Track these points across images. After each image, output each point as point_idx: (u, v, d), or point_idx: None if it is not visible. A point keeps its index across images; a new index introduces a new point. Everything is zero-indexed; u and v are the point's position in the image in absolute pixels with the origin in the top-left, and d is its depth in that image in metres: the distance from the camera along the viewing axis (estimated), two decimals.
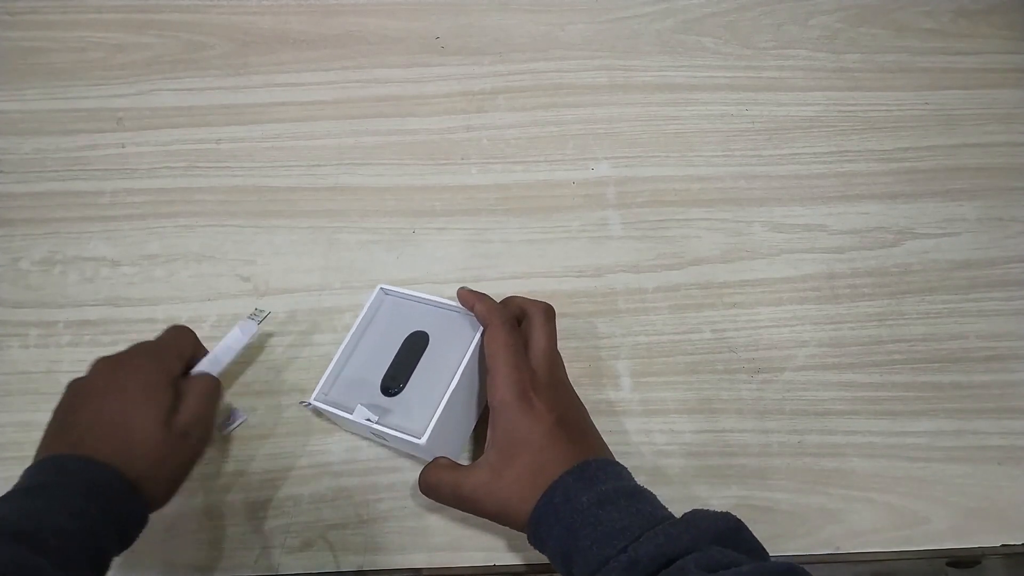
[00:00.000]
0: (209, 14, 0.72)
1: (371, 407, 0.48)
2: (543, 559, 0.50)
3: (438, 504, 0.51)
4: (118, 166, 0.64)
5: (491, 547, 0.50)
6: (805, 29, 0.72)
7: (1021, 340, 0.57)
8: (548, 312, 0.49)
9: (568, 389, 0.48)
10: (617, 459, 0.45)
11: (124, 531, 0.41)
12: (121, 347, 0.56)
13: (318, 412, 0.53)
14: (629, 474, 0.44)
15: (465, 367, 0.48)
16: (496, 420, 0.44)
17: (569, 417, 0.45)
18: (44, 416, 0.54)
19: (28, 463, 0.52)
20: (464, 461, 0.51)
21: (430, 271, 0.60)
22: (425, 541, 0.50)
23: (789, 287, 0.59)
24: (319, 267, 0.60)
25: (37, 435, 0.53)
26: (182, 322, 0.57)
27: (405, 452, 0.52)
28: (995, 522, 0.51)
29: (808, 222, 0.62)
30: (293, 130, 0.66)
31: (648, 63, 0.70)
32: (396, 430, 0.47)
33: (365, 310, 0.53)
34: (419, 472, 0.52)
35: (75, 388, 0.45)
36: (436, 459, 0.47)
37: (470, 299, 0.49)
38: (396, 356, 0.51)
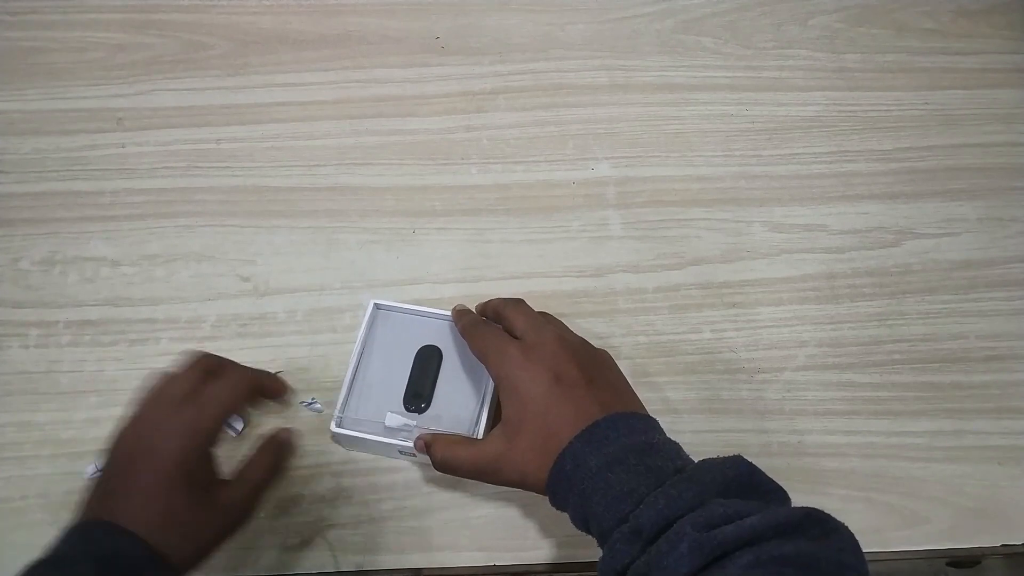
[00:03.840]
0: (209, 14, 0.72)
1: (400, 428, 0.49)
2: (543, 559, 0.50)
3: (438, 504, 0.51)
4: (118, 166, 0.64)
5: (491, 547, 0.50)
6: (805, 29, 0.72)
7: (1021, 340, 0.57)
8: (515, 299, 0.50)
9: (566, 345, 0.45)
10: None
11: None
12: (121, 347, 0.57)
13: (337, 440, 0.52)
14: (644, 424, 0.43)
15: None
16: (501, 396, 0.45)
17: (569, 373, 0.44)
18: (44, 416, 0.54)
19: (28, 463, 0.53)
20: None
21: (430, 271, 0.60)
22: (425, 541, 0.50)
23: (789, 287, 0.59)
24: (319, 267, 0.60)
25: (37, 435, 0.54)
26: (182, 322, 0.57)
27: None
28: (995, 522, 0.51)
29: (808, 222, 0.62)
30: (293, 130, 0.66)
31: (648, 63, 0.70)
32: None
33: (363, 329, 0.52)
34: (419, 470, 0.53)
35: (114, 447, 0.42)
36: (445, 436, 0.47)
37: (455, 322, 0.51)
38: (412, 373, 0.51)
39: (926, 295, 0.59)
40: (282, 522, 0.50)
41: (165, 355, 0.56)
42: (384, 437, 0.48)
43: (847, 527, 0.35)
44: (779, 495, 0.39)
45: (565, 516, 0.51)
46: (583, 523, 0.41)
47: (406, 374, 0.51)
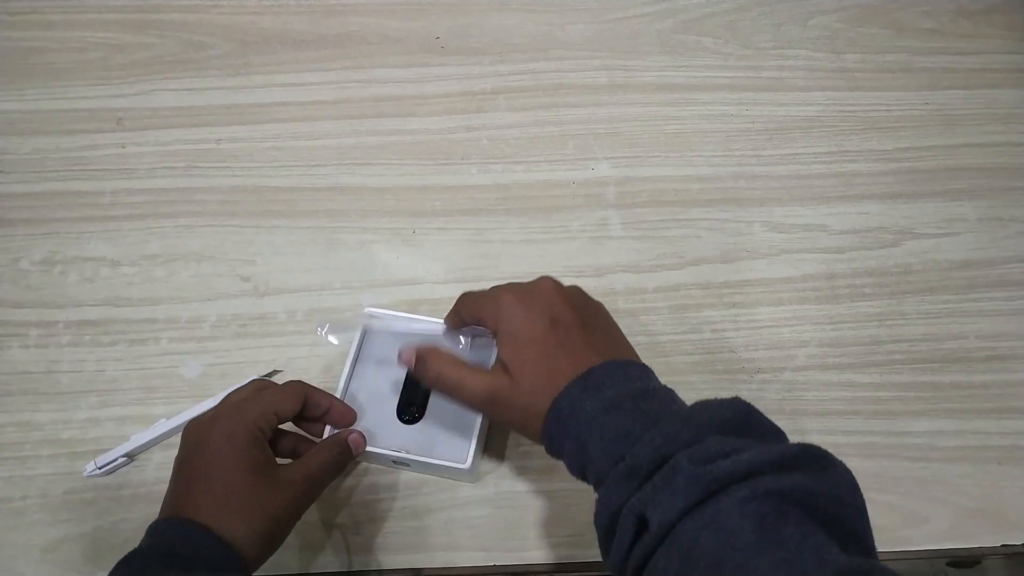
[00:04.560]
0: (209, 14, 0.72)
1: (393, 437, 0.49)
2: (543, 559, 0.50)
3: (438, 504, 0.51)
4: (118, 166, 0.64)
5: (491, 547, 0.50)
6: (805, 29, 0.72)
7: (1021, 340, 0.57)
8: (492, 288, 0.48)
9: (562, 290, 0.45)
10: None
11: None
12: (121, 347, 0.57)
13: None
14: (640, 372, 0.42)
15: None
16: (500, 344, 0.43)
17: (565, 317, 0.43)
18: (44, 416, 0.54)
19: (28, 463, 0.53)
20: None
21: (430, 271, 0.60)
22: (425, 541, 0.50)
23: (789, 287, 0.59)
24: (319, 267, 0.60)
25: (37, 435, 0.54)
26: (182, 322, 0.57)
27: (431, 474, 0.52)
28: (995, 522, 0.51)
29: (808, 222, 0.62)
30: (293, 130, 0.66)
31: (648, 63, 0.70)
32: (434, 459, 0.48)
33: (357, 338, 0.52)
34: (414, 467, 0.52)
35: (175, 461, 0.44)
36: (443, 352, 0.45)
37: (447, 322, 0.50)
38: (406, 382, 0.51)
39: (926, 295, 0.59)
40: None
41: (165, 355, 0.56)
42: (377, 448, 0.49)
43: (844, 464, 0.35)
44: (778, 436, 0.38)
45: (565, 516, 0.51)
46: (579, 469, 0.40)
47: (399, 384, 0.51)
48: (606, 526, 0.37)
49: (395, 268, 0.60)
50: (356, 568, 0.50)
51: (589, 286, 0.59)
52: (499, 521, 0.51)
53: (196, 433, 0.44)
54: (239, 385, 0.52)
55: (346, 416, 0.49)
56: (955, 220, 0.62)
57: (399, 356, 0.46)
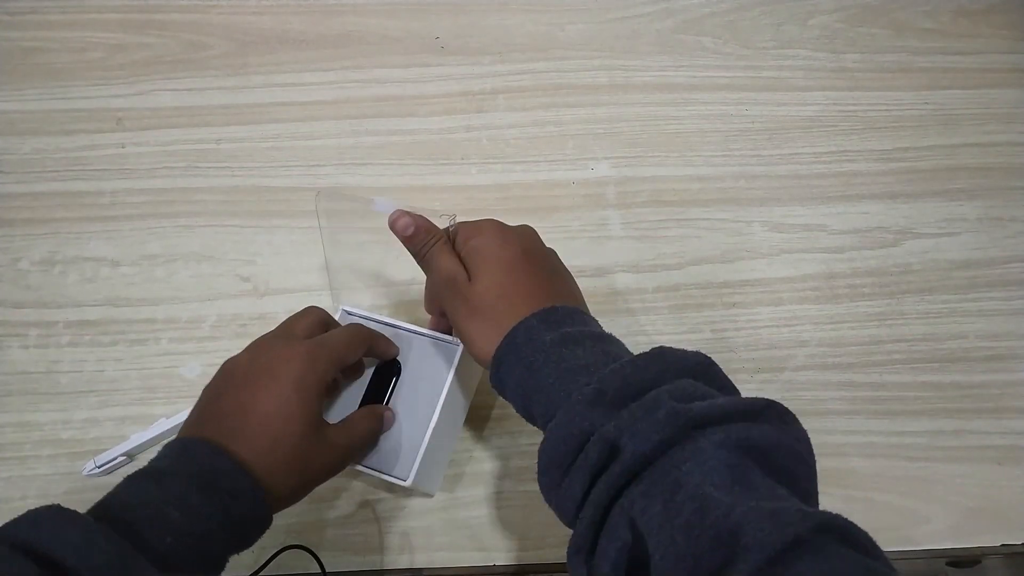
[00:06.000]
0: (209, 14, 0.72)
1: None
2: (543, 559, 0.50)
3: (438, 504, 0.51)
4: (118, 166, 0.64)
5: (491, 547, 0.50)
6: (805, 29, 0.72)
7: (1021, 340, 0.57)
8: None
9: (537, 238, 0.46)
10: None
11: (242, 532, 0.38)
12: (121, 347, 0.57)
13: None
14: (598, 324, 0.42)
15: (445, 399, 0.47)
16: (470, 263, 0.43)
17: (537, 253, 0.44)
18: (44, 416, 0.54)
19: (28, 463, 0.53)
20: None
21: None
22: (425, 541, 0.50)
23: (789, 287, 0.59)
24: (319, 267, 0.60)
25: (37, 435, 0.54)
26: (182, 322, 0.57)
27: (379, 487, 0.51)
28: (995, 522, 0.51)
29: (808, 222, 0.62)
30: (293, 130, 0.66)
31: (648, 63, 0.70)
32: (378, 471, 0.46)
33: None
34: (363, 477, 0.52)
35: (225, 369, 0.42)
36: (435, 226, 0.45)
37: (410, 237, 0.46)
38: (368, 387, 0.49)
39: (926, 295, 0.59)
40: (282, 522, 0.50)
41: (165, 355, 0.57)
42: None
43: (802, 426, 0.35)
44: (732, 392, 0.38)
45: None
46: (524, 401, 0.39)
47: (364, 383, 0.49)
48: (561, 452, 0.36)
49: (395, 268, 0.60)
50: (356, 568, 0.50)
51: (589, 286, 0.59)
52: (499, 521, 0.51)
53: (266, 358, 0.41)
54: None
55: (392, 350, 0.49)
56: (955, 220, 0.62)
57: (393, 220, 0.45)
